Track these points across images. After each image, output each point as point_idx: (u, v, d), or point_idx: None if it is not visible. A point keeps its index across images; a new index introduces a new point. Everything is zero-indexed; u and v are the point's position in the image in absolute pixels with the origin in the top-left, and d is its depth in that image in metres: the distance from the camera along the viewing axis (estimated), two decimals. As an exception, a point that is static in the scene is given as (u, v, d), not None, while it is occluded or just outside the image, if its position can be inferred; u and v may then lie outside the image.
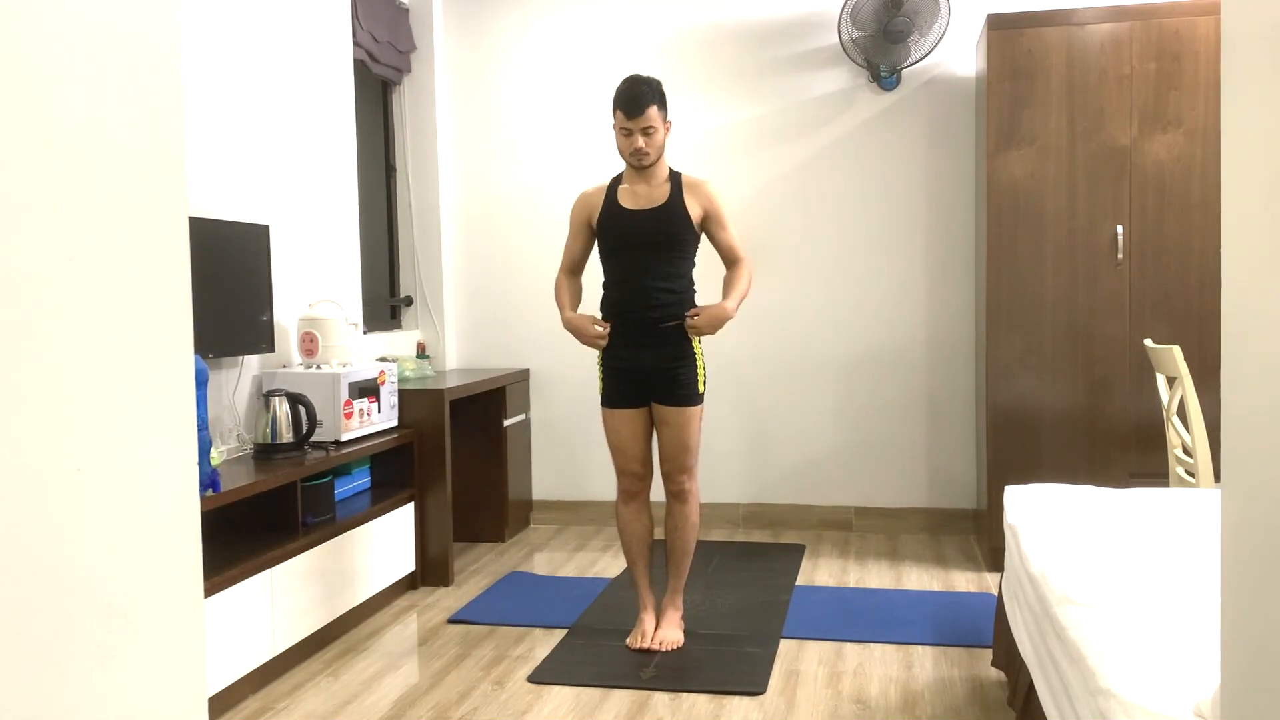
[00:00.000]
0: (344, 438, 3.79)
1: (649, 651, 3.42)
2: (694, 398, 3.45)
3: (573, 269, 3.60)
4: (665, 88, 3.45)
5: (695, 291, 3.53)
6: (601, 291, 3.52)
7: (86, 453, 0.93)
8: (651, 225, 3.40)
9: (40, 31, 0.89)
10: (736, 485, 5.10)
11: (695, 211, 3.43)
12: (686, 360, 3.44)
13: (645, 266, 3.41)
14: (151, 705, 1.02)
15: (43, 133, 0.89)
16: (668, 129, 3.43)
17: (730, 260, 3.53)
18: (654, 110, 3.35)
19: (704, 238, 3.54)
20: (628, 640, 3.49)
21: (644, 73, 3.51)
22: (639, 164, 3.40)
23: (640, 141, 3.35)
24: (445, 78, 5.27)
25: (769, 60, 4.99)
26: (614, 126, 3.42)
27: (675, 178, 3.47)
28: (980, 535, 4.57)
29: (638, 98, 3.33)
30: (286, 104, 4.00)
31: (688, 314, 3.42)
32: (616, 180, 3.52)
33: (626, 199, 3.45)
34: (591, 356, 5.21)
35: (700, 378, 3.49)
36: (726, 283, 3.51)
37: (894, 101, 4.89)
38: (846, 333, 4.99)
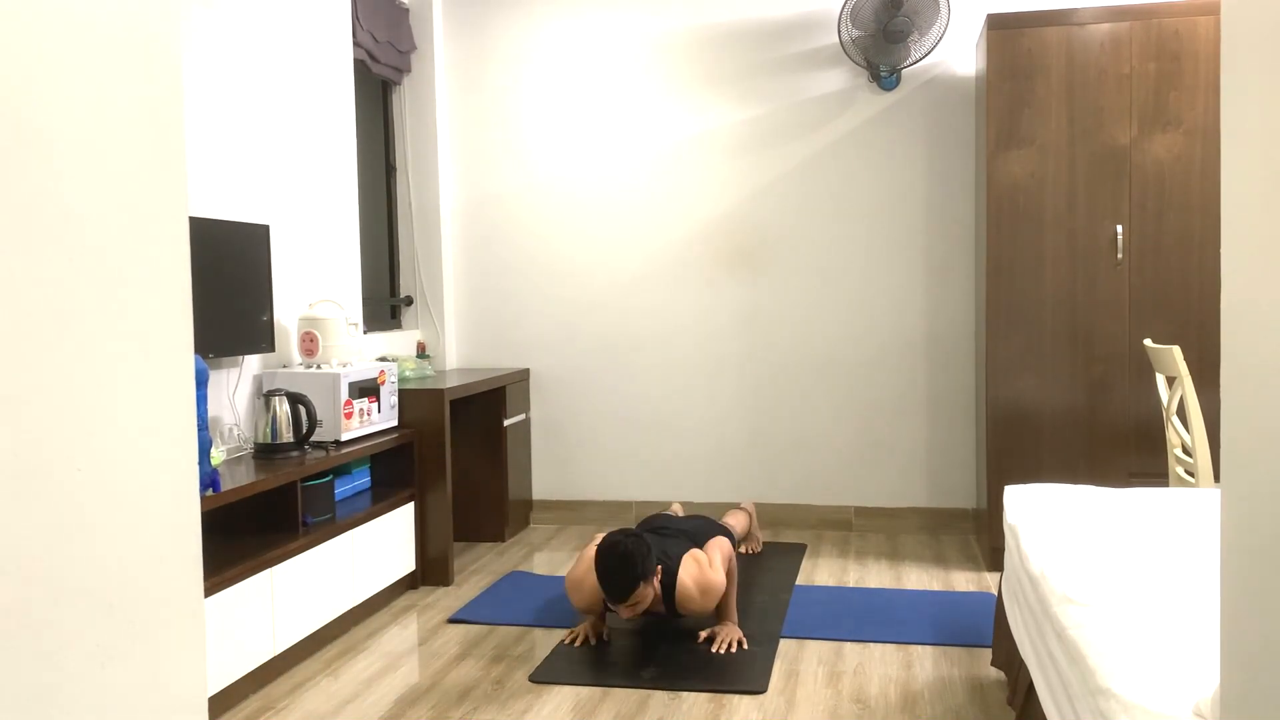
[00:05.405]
0: (344, 437, 3.79)
1: (650, 651, 3.42)
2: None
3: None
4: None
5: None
6: None
7: (86, 453, 0.93)
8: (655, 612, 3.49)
9: (41, 32, 0.89)
10: (736, 485, 5.10)
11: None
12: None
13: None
14: (151, 705, 1.02)
15: (43, 133, 0.89)
16: (656, 578, 3.33)
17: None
18: (640, 588, 3.22)
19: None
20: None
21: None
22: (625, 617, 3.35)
23: (625, 613, 3.28)
24: (445, 78, 5.27)
25: (769, 60, 4.99)
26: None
27: (668, 592, 3.39)
28: (980, 535, 4.57)
29: (620, 588, 3.21)
30: (286, 104, 4.00)
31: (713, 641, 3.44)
32: None
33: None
34: (591, 358, 5.21)
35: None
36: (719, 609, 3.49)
37: (894, 101, 4.89)
38: (846, 332, 4.99)
